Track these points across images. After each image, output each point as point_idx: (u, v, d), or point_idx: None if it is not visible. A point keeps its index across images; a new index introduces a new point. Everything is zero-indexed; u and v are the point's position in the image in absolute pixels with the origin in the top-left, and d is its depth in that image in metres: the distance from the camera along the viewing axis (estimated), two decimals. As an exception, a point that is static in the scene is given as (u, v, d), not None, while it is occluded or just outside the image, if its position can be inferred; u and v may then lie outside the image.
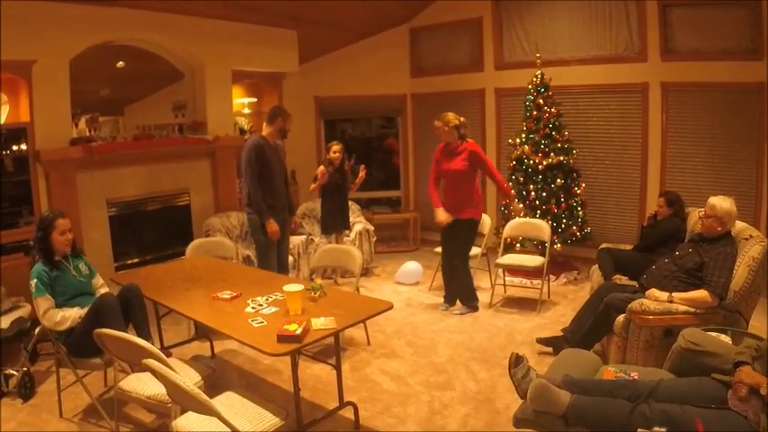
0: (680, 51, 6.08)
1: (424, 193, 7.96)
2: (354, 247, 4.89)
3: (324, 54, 7.66)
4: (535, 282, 5.87)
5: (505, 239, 5.87)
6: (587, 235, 6.29)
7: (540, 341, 4.57)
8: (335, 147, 6.26)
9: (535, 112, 6.20)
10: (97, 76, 6.21)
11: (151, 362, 2.66)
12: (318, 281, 3.81)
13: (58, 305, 3.75)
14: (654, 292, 4.00)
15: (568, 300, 5.77)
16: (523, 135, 6.29)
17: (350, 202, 7.05)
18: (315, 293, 3.63)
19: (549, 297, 5.75)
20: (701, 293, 3.80)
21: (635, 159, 6.48)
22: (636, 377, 3.05)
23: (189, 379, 3.12)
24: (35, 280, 3.69)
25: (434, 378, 4.22)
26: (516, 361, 3.03)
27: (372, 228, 6.84)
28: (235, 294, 3.70)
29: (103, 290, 4.10)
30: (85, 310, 3.76)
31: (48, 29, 5.01)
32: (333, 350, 4.52)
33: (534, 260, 5.59)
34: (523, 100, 6.39)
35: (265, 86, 7.41)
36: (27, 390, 4.05)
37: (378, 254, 7.33)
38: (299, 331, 2.96)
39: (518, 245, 6.25)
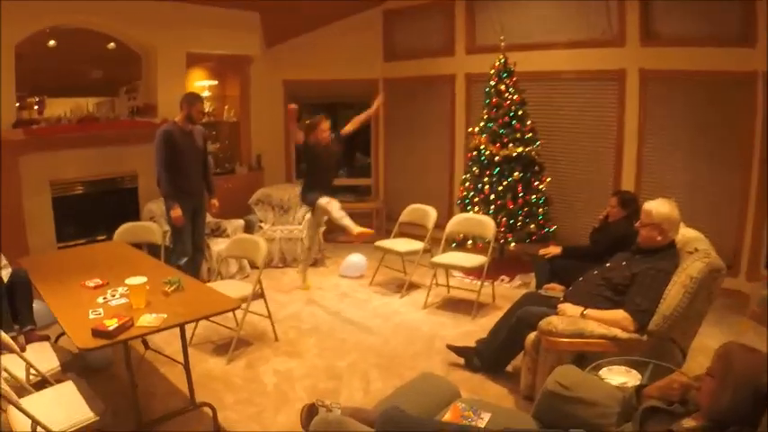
0: (662, 36, 5.15)
1: (394, 181, 7.48)
2: (261, 238, 4.45)
3: (294, 37, 7.08)
4: (487, 283, 5.20)
5: (451, 235, 5.27)
6: (550, 234, 5.51)
7: (451, 348, 3.94)
8: (325, 124, 5.17)
9: (495, 99, 5.44)
10: (87, 57, 5.99)
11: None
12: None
13: None
14: (566, 306, 3.36)
15: (515, 305, 5.08)
16: (482, 123, 5.56)
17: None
18: (170, 288, 3.26)
19: (493, 301, 5.02)
20: (617, 314, 3.09)
21: (609, 154, 5.59)
22: (485, 419, 2.46)
23: (47, 363, 3.07)
24: None
25: (324, 384, 3.73)
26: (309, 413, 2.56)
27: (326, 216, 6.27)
28: (100, 283, 3.43)
29: (6, 270, 4.04)
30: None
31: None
32: (239, 344, 4.21)
33: (474, 259, 4.88)
34: (483, 86, 5.65)
35: (228, 70, 7.00)
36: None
37: (339, 243, 6.78)
38: (112, 327, 2.71)
39: (469, 242, 5.58)
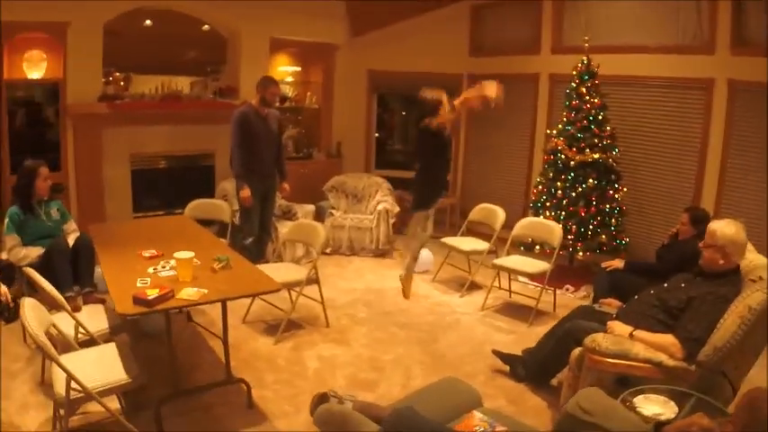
0: (755, 44, 4.66)
1: (471, 179, 7.28)
2: (320, 225, 4.50)
3: (380, 28, 7.02)
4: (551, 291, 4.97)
5: (518, 238, 5.09)
6: (622, 246, 5.20)
7: (497, 354, 3.83)
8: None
9: (575, 102, 5.18)
10: (181, 38, 6.29)
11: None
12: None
13: (26, 244, 4.04)
14: (615, 325, 3.15)
15: (575, 316, 4.82)
16: (560, 126, 5.31)
17: (380, 180, 6.60)
18: (218, 265, 3.37)
19: (554, 310, 4.80)
20: (666, 339, 2.87)
21: (690, 167, 5.19)
22: (501, 435, 2.35)
23: (97, 324, 3.28)
24: (7, 220, 3.98)
25: (364, 375, 3.74)
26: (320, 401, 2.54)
27: (397, 209, 6.24)
28: (155, 254, 3.58)
29: (74, 234, 4.32)
30: (45, 250, 4.02)
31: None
32: (291, 326, 4.33)
33: (537, 265, 4.70)
34: (566, 87, 5.39)
35: (313, 56, 7.08)
36: (10, 314, 4.18)
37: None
38: (152, 296, 2.83)
39: (537, 247, 5.37)
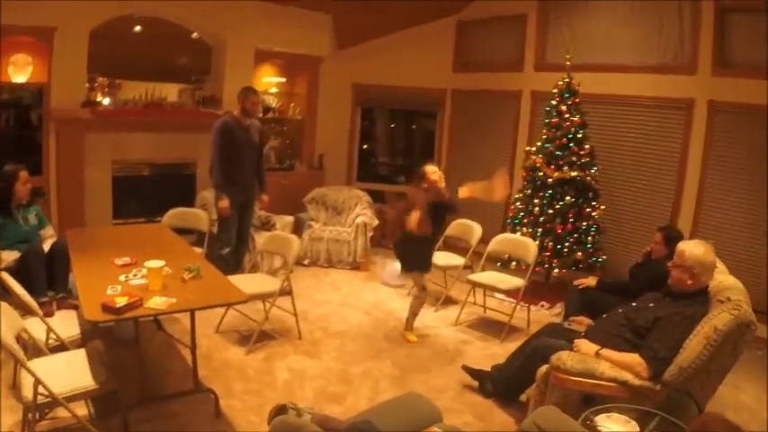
0: (736, 65, 4.75)
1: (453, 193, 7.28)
2: (294, 236, 4.51)
3: (366, 41, 7.06)
4: (531, 307, 5.04)
5: (493, 254, 5.10)
6: (598, 264, 5.24)
7: (466, 369, 3.83)
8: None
9: (555, 119, 5.23)
10: (169, 45, 6.29)
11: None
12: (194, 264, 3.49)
13: (2, 248, 4.01)
14: (582, 343, 3.17)
15: (549, 333, 4.83)
16: (539, 143, 5.36)
17: (361, 193, 6.60)
18: (188, 275, 3.36)
19: (528, 326, 4.80)
20: (632, 358, 2.88)
21: (668, 186, 5.24)
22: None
23: (68, 330, 3.28)
24: None
25: (332, 388, 3.73)
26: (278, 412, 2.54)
27: (375, 222, 6.24)
28: (129, 262, 3.56)
29: (51, 240, 4.32)
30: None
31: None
32: (263, 337, 4.34)
33: (511, 281, 4.72)
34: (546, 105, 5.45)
35: (297, 68, 7.10)
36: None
37: (388, 250, 6.69)
38: (121, 304, 2.83)
39: (513, 263, 5.40)
